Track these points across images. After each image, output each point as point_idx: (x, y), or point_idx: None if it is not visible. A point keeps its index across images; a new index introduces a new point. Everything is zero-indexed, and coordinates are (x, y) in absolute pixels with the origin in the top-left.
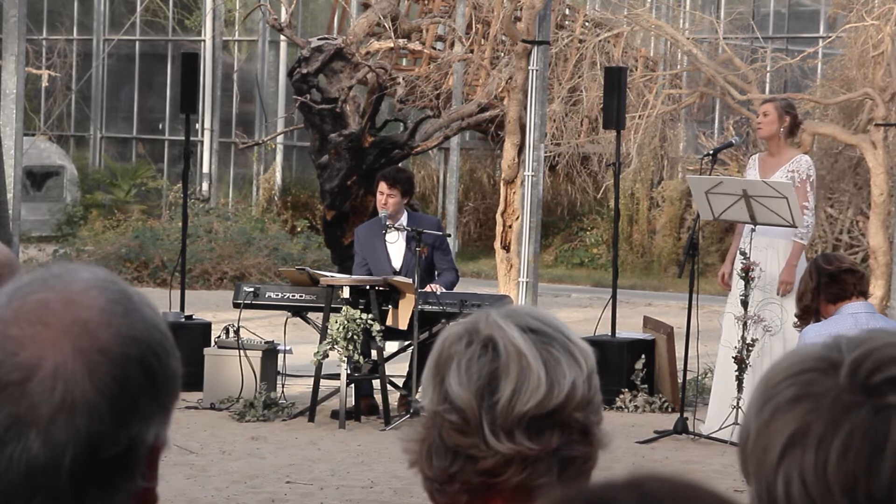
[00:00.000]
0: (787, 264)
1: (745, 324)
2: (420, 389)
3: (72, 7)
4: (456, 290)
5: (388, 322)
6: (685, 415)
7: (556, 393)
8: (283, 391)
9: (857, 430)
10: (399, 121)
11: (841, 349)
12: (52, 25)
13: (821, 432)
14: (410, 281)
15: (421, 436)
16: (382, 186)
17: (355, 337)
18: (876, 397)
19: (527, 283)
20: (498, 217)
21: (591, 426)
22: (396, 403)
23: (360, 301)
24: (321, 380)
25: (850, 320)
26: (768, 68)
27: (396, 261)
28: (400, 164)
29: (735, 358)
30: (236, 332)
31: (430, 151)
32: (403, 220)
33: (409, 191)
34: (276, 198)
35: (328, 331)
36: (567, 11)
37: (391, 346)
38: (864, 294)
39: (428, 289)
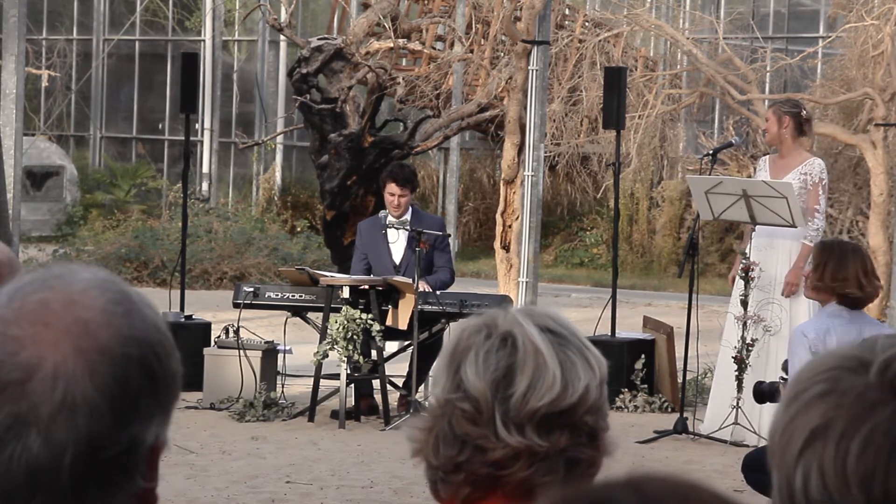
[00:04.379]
0: (794, 266)
1: (744, 324)
2: (431, 379)
3: (72, 7)
4: (456, 290)
5: (388, 322)
6: (685, 415)
7: (569, 393)
8: (283, 391)
9: (879, 426)
10: (399, 121)
11: (875, 349)
12: (52, 25)
13: (843, 427)
14: (410, 281)
15: (428, 424)
16: (393, 188)
17: (355, 337)
18: None
19: (527, 283)
20: (498, 217)
21: (600, 431)
22: (396, 403)
23: (360, 301)
24: (321, 380)
25: None
26: (768, 68)
27: (397, 257)
28: None
29: (735, 358)
30: (236, 332)
31: (430, 151)
32: (408, 215)
33: (416, 187)
34: (276, 198)
35: (328, 331)
36: (567, 11)
37: (391, 346)
38: None
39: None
